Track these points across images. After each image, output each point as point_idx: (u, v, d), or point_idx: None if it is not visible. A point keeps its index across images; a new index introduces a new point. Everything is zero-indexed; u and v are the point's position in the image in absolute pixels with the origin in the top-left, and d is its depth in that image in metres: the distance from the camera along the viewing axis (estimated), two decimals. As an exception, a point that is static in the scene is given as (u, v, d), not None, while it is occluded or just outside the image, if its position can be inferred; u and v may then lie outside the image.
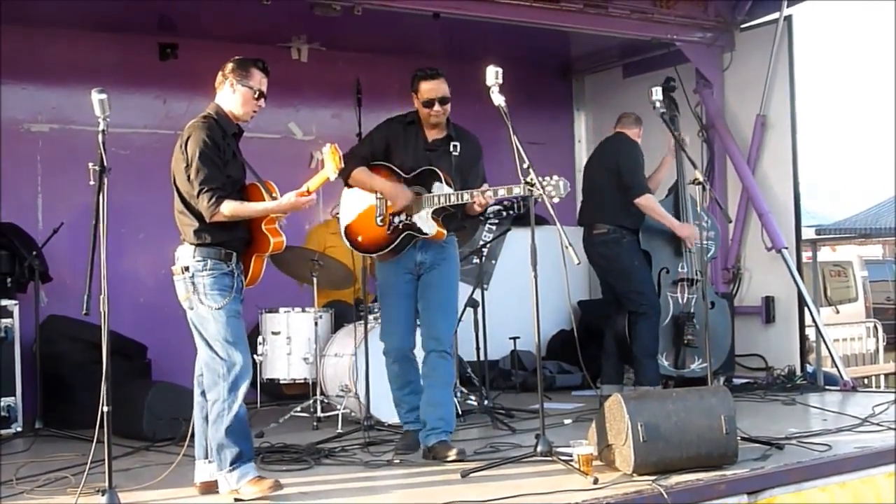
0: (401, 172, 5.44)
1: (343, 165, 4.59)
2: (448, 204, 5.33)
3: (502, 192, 5.25)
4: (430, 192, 5.37)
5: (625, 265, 6.99)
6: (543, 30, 7.90)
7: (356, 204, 5.52)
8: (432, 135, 5.52)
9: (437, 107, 5.42)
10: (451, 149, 5.48)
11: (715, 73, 8.62)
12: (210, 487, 4.61)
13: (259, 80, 4.72)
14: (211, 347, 4.50)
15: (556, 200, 4.94)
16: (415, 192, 5.40)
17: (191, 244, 4.53)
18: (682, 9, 8.31)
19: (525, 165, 4.97)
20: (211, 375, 4.50)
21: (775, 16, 8.25)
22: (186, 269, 4.51)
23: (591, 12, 7.83)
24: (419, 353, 5.55)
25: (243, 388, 4.47)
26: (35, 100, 7.79)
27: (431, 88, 5.43)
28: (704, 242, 7.10)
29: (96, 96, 4.18)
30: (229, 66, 4.72)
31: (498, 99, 5.08)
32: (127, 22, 7.72)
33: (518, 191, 5.08)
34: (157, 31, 7.99)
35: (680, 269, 7.19)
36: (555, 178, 4.97)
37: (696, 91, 8.61)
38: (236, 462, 4.46)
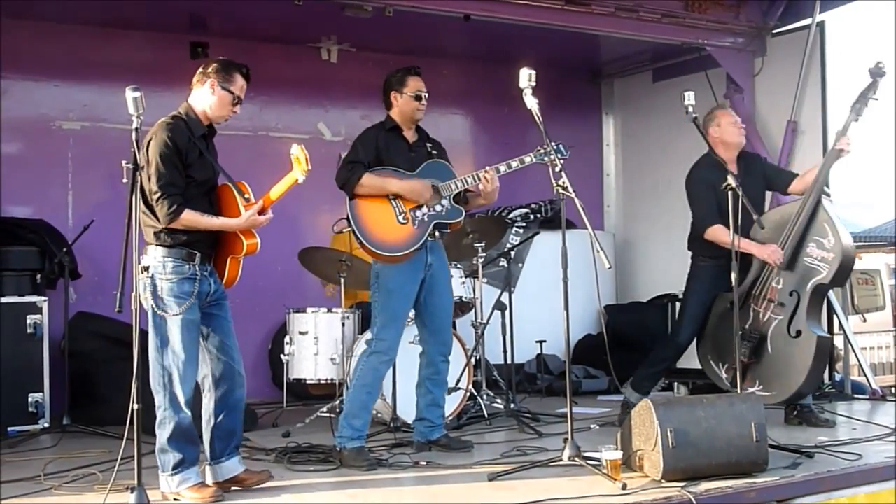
0: (405, 171, 5.51)
1: (310, 168, 4.47)
2: (465, 187, 5.53)
3: (515, 164, 5.45)
4: (443, 181, 5.53)
5: (685, 288, 6.68)
6: (574, 33, 7.86)
7: (369, 211, 5.44)
8: (410, 137, 5.67)
9: (424, 101, 5.60)
10: (430, 149, 5.67)
11: (746, 78, 8.55)
12: (222, 488, 4.62)
13: (240, 86, 4.64)
14: (159, 352, 4.44)
15: (557, 167, 5.08)
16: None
17: (153, 245, 4.48)
18: (713, 13, 8.24)
19: (557, 168, 4.97)
20: (155, 380, 4.46)
21: (808, 21, 8.18)
22: (147, 269, 4.43)
23: (622, 16, 7.78)
24: None
25: (183, 399, 4.44)
26: (66, 97, 7.85)
27: (419, 83, 5.61)
28: (815, 263, 6.13)
29: (130, 94, 4.15)
30: (213, 66, 4.63)
31: (530, 101, 5.07)
32: (158, 20, 7.76)
33: (529, 159, 5.36)
34: (188, 29, 8.03)
35: (775, 284, 6.23)
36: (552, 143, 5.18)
37: (727, 96, 8.54)
38: (178, 467, 4.46)
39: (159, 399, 4.46)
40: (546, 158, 5.15)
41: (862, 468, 5.04)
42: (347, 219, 5.48)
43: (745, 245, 6.15)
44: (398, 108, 5.61)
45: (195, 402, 4.57)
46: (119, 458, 4.14)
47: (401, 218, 5.43)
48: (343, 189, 5.47)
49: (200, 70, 4.66)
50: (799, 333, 6.11)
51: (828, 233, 6.12)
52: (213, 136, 4.74)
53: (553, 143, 5.19)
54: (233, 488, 4.67)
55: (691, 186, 6.43)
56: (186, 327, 4.46)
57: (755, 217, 5.77)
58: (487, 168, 5.45)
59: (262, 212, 4.53)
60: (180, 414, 4.45)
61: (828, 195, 6.22)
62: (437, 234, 5.55)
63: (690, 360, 6.73)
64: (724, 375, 6.33)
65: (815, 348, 6.07)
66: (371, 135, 5.61)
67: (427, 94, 5.61)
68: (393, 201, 5.45)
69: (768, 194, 6.89)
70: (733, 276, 5.55)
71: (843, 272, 6.13)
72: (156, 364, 4.46)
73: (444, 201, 5.51)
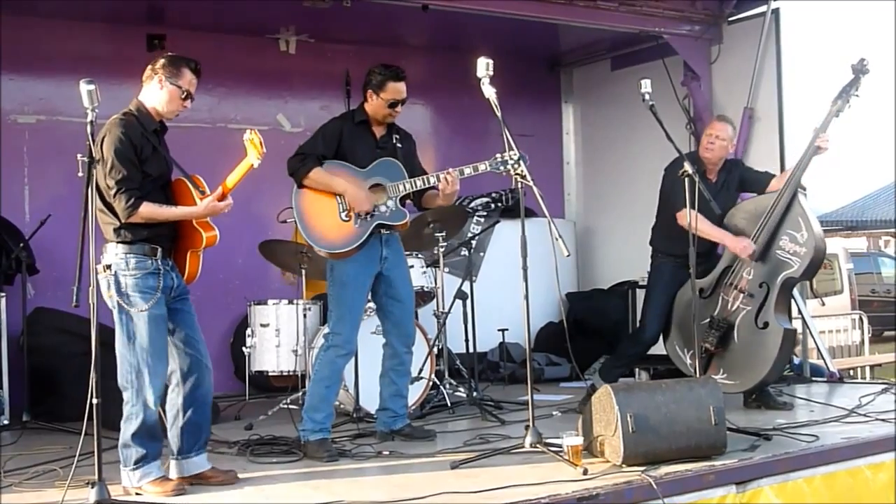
0: (357, 168, 5.45)
1: (265, 151, 4.44)
2: (414, 190, 5.44)
3: (468, 171, 5.34)
4: (391, 181, 5.45)
5: (647, 285, 6.77)
6: (532, 22, 7.89)
7: (313, 203, 5.42)
8: (379, 132, 5.61)
9: (398, 108, 5.53)
10: (396, 142, 5.62)
11: (703, 65, 8.61)
12: (185, 483, 4.59)
13: (189, 80, 4.60)
14: (127, 349, 4.42)
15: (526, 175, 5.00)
16: (376, 184, 5.46)
17: (113, 242, 4.46)
18: (670, 1, 8.28)
19: (516, 157, 4.98)
20: (123, 376, 4.44)
21: (763, 9, 8.25)
22: (109, 266, 4.40)
23: (580, 4, 7.80)
24: None
25: (151, 397, 4.42)
26: (22, 91, 7.75)
27: (399, 90, 5.51)
28: (787, 256, 6.17)
29: (84, 87, 4.11)
30: (161, 61, 4.60)
31: (488, 91, 5.06)
32: (115, 13, 7.69)
33: (483, 167, 5.24)
34: (145, 21, 7.95)
35: (745, 275, 6.28)
36: (512, 153, 5.06)
37: (684, 84, 8.61)
38: (140, 462, 4.45)
39: (127, 395, 4.44)
40: (502, 168, 5.08)
41: (819, 450, 5.11)
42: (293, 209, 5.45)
43: (719, 235, 6.25)
44: (371, 106, 5.53)
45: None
46: (77, 453, 4.12)
47: (343, 215, 5.38)
48: (292, 177, 5.44)
49: (149, 66, 4.62)
50: (766, 325, 6.19)
51: (801, 227, 6.16)
52: (165, 133, 4.71)
53: (513, 154, 5.06)
54: (193, 483, 4.64)
55: (666, 178, 6.38)
56: (154, 322, 4.43)
57: (718, 211, 5.92)
58: (451, 170, 5.35)
59: (220, 199, 4.51)
60: (147, 411, 4.43)
61: (803, 190, 6.28)
62: (381, 231, 5.50)
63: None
64: (689, 362, 6.36)
65: (780, 340, 6.14)
66: (336, 127, 5.55)
67: (404, 100, 5.53)
68: (339, 197, 5.40)
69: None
70: (691, 268, 5.60)
71: (813, 267, 6.20)
72: (124, 361, 4.43)
73: (391, 202, 5.44)
